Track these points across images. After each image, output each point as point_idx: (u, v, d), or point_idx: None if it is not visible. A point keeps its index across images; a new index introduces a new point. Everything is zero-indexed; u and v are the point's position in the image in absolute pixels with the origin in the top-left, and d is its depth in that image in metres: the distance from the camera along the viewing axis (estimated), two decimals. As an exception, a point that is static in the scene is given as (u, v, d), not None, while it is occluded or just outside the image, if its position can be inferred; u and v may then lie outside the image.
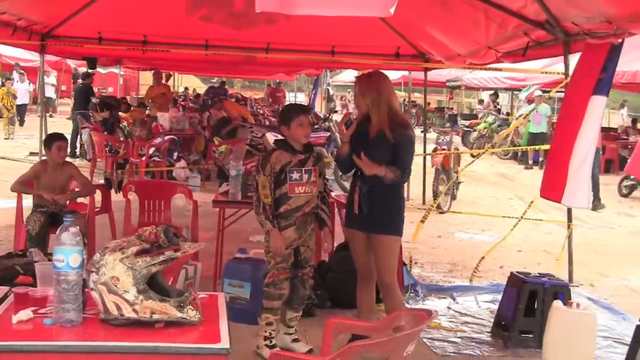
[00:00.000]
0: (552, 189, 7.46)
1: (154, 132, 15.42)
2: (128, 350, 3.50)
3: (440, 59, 11.31)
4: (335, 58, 12.73)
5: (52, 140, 8.09)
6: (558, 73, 9.91)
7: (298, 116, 6.14)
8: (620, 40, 6.89)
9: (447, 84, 27.62)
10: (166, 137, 14.83)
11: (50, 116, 32.42)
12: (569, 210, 8.59)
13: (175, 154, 14.86)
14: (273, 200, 6.10)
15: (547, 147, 15.19)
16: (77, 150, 18.73)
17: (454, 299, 8.36)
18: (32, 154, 17.53)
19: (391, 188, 6.11)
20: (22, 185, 8.07)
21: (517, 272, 7.29)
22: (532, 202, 9.23)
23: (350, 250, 6.48)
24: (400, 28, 11.21)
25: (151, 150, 14.61)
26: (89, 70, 18.02)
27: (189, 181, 13.82)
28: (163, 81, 20.23)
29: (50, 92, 32.58)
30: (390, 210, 6.16)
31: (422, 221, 8.89)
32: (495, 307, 8.07)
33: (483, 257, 9.33)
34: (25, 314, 3.70)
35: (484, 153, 13.43)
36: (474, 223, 11.59)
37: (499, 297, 8.31)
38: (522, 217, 9.20)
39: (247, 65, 17.26)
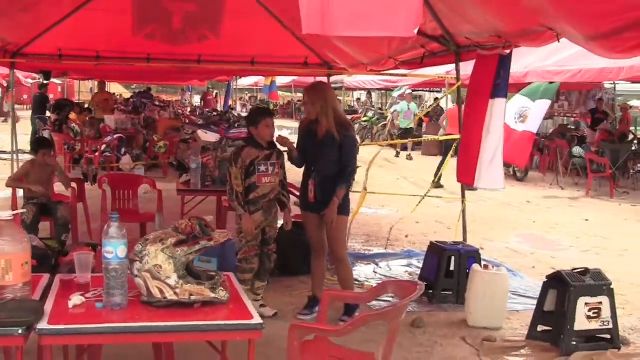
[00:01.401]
0: (466, 176, 7.47)
1: (103, 132, 15.09)
2: (177, 329, 3.31)
3: (345, 66, 11.24)
4: (255, 67, 12.58)
5: (39, 147, 7.92)
6: (451, 78, 9.93)
7: (265, 118, 6.07)
8: (508, 52, 6.91)
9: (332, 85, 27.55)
10: (115, 136, 14.55)
11: (5, 121, 31.19)
12: (462, 189, 8.63)
13: (123, 149, 14.48)
14: (244, 189, 5.97)
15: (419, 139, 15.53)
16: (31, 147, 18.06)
17: (377, 265, 8.33)
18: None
19: (337, 177, 6.11)
20: (16, 182, 7.81)
21: (436, 241, 7.32)
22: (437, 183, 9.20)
23: (306, 229, 6.41)
24: (309, 41, 11.10)
25: (103, 147, 14.19)
26: (44, 82, 17.56)
27: (135, 171, 13.45)
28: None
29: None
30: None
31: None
32: (411, 269, 8.15)
33: (392, 227, 9.37)
34: (79, 299, 3.45)
35: (378, 144, 13.40)
36: (374, 200, 11.55)
37: (412, 261, 8.42)
38: (425, 195, 9.20)
39: (180, 74, 16.96)
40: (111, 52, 11.50)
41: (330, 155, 6.06)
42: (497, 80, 7.08)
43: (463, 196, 8.46)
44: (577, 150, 16.70)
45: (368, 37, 8.96)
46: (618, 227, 11.40)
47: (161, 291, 3.40)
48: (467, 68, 8.13)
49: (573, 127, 19.91)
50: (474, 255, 7.02)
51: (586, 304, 5.68)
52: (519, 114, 12.10)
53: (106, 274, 3.40)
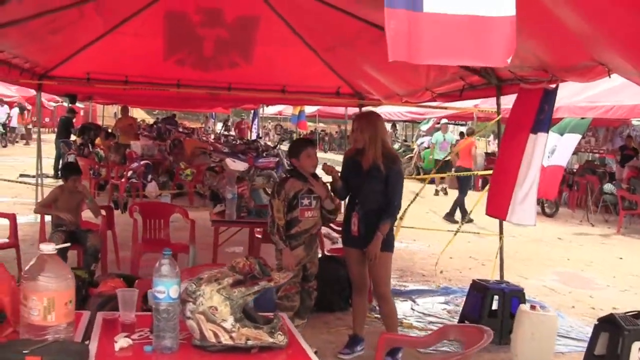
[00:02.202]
0: (497, 210, 7.18)
1: (129, 157, 14.86)
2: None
3: (379, 97, 11.00)
4: (286, 95, 12.33)
5: (69, 173, 7.61)
6: (491, 111, 9.64)
7: (306, 148, 5.79)
8: (553, 86, 6.63)
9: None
10: (142, 162, 14.30)
11: (26, 144, 31.13)
12: (501, 225, 8.31)
13: (150, 176, 14.23)
14: (285, 223, 5.66)
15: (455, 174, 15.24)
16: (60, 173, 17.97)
17: (414, 301, 8.00)
18: (22, 175, 16.85)
19: (381, 210, 5.79)
20: (44, 208, 7.53)
21: (479, 279, 7.02)
22: (467, 217, 8.88)
23: (347, 265, 6.12)
24: (341, 71, 10.93)
25: (129, 173, 13.95)
26: (71, 106, 17.49)
27: (160, 199, 13.19)
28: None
29: (14, 122, 31.26)
30: None
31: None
32: (449, 307, 7.84)
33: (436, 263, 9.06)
34: (125, 341, 3.15)
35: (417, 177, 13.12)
36: (405, 234, 11.24)
37: (449, 298, 8.09)
38: (458, 230, 8.91)
39: (211, 100, 16.74)
40: (140, 76, 11.30)
41: (375, 188, 5.76)
42: (540, 115, 6.81)
43: (501, 232, 8.16)
44: (608, 187, 16.39)
45: (406, 69, 8.77)
46: (654, 266, 11.06)
47: (216, 335, 3.10)
48: (504, 101, 7.91)
49: (598, 164, 19.59)
50: (518, 295, 6.73)
51: (640, 349, 5.35)
52: (550, 150, 11.87)
53: (156, 315, 3.10)
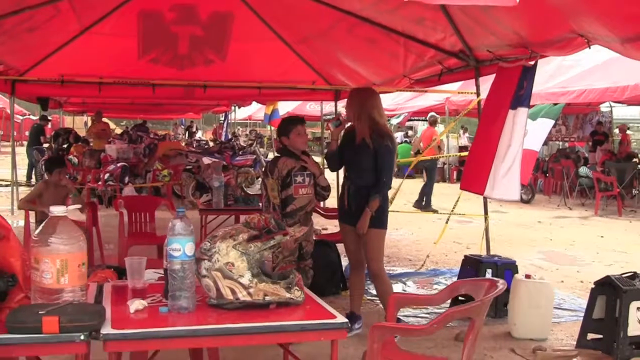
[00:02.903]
0: (474, 185, 7.15)
1: (104, 161, 14.72)
2: (258, 330, 2.92)
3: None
4: (261, 92, 12.22)
5: (53, 166, 7.50)
6: (471, 93, 9.63)
7: (295, 126, 5.74)
8: (532, 63, 6.60)
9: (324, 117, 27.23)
10: (119, 164, 14.15)
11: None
12: (485, 205, 8.30)
13: (126, 178, 14.07)
14: (280, 202, 5.59)
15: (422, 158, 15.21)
16: (33, 180, 17.70)
17: (404, 283, 7.97)
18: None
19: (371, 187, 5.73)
20: (29, 203, 7.38)
21: (471, 254, 7.00)
22: (456, 202, 8.87)
23: (343, 241, 6.06)
24: (316, 64, 10.86)
25: (106, 176, 13.80)
26: (43, 113, 17.32)
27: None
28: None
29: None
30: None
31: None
32: (440, 287, 7.79)
33: (436, 245, 9.12)
34: (140, 303, 3.08)
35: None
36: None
37: (439, 279, 8.07)
38: (451, 213, 8.91)
39: (183, 105, 16.61)
40: (114, 77, 11.13)
41: (364, 164, 5.71)
42: (519, 91, 6.78)
43: (486, 212, 8.14)
44: (583, 170, 16.53)
45: (384, 55, 8.75)
46: (634, 242, 11.15)
47: (233, 291, 3.04)
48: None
49: (569, 152, 19.77)
50: (510, 267, 6.74)
51: (638, 308, 5.36)
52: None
53: (172, 274, 3.03)
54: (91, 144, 16.91)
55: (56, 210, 2.94)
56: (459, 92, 13.40)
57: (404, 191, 18.84)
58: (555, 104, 13.43)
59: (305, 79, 11.54)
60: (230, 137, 23.89)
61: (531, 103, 12.98)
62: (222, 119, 26.71)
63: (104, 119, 18.79)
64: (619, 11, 4.50)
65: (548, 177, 18.18)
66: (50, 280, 2.87)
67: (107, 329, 2.76)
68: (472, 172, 7.38)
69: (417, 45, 7.87)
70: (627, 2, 4.30)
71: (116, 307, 3.09)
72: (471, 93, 9.36)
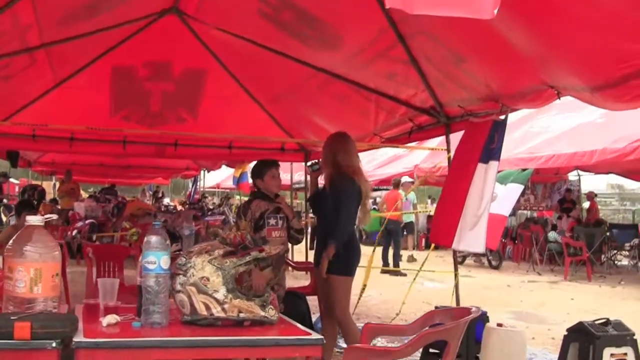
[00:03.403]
0: (442, 237, 7.22)
1: (72, 219, 14.62)
2: (232, 344, 2.92)
3: (327, 146, 11.03)
4: (232, 152, 12.27)
5: (23, 209, 7.42)
6: (442, 149, 9.75)
7: (270, 169, 5.79)
8: (502, 117, 6.72)
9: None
10: (87, 221, 14.08)
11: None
12: (454, 262, 8.35)
13: (94, 236, 13.98)
14: None
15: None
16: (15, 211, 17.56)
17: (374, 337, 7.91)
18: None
19: None
20: None
21: (442, 306, 6.95)
22: (424, 261, 8.93)
23: (317, 288, 6.05)
24: (286, 124, 10.96)
25: (74, 232, 13.70)
26: (3, 170, 17.31)
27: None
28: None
29: None
30: (337, 253, 5.73)
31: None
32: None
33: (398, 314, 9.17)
34: (113, 317, 3.06)
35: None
36: (356, 285, 11.20)
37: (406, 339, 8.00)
38: (419, 270, 8.95)
39: (158, 157, 16.57)
40: (86, 133, 11.08)
41: (325, 209, 5.79)
42: (490, 144, 6.87)
43: (456, 269, 8.19)
44: (552, 235, 16.69)
45: (355, 112, 8.86)
46: (605, 304, 11.22)
47: (207, 307, 3.04)
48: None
49: (537, 220, 20.01)
50: (482, 319, 6.68)
51: (612, 354, 5.39)
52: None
53: (146, 288, 3.03)
54: (59, 205, 16.83)
55: (32, 219, 2.94)
56: (430, 149, 13.55)
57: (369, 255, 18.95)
58: (524, 170, 13.67)
59: (275, 139, 11.65)
60: (199, 198, 23.93)
61: (500, 168, 13.28)
62: (191, 184, 26.73)
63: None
64: (589, 60, 4.60)
65: (517, 244, 18.34)
66: (23, 289, 2.86)
67: (79, 338, 2.74)
68: (440, 225, 7.44)
69: (388, 102, 7.96)
70: (597, 51, 4.41)
71: (89, 321, 3.07)
72: (442, 149, 9.47)
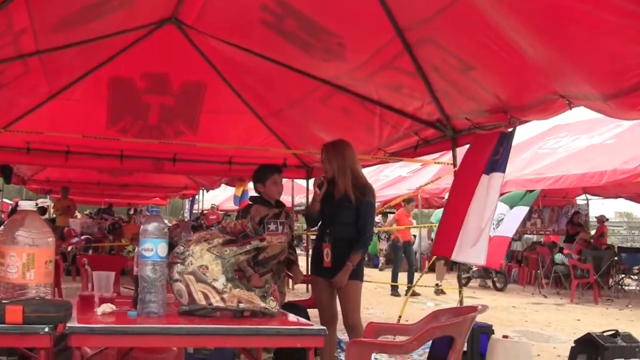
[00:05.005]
0: (443, 249, 7.22)
1: (67, 235, 14.62)
2: (231, 332, 2.90)
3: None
4: (232, 167, 12.26)
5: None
6: (448, 164, 9.73)
7: (272, 175, 5.82)
8: (510, 130, 6.69)
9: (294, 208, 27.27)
10: (82, 237, 14.11)
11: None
12: (459, 279, 8.31)
13: (90, 251, 13.98)
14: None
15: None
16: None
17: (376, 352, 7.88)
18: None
19: (352, 241, 5.81)
20: None
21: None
22: (419, 278, 8.88)
23: (315, 297, 6.04)
24: (288, 139, 10.94)
25: (69, 248, 13.69)
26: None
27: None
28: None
29: None
30: None
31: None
32: (414, 357, 7.71)
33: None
34: (108, 306, 3.03)
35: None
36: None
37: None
38: (413, 286, 8.88)
39: (156, 172, 16.53)
40: (82, 147, 11.07)
41: (346, 219, 5.80)
42: (494, 156, 6.85)
43: (460, 286, 8.14)
44: (559, 257, 16.60)
45: (359, 126, 8.81)
46: (612, 325, 11.01)
47: (206, 296, 3.01)
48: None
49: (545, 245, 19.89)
50: (487, 331, 6.67)
51: (620, 366, 5.34)
52: (497, 221, 12.02)
53: (142, 276, 3.00)
54: (56, 223, 16.83)
55: (25, 204, 2.91)
56: (434, 162, 13.49)
57: (373, 277, 18.93)
58: (531, 191, 13.64)
59: (277, 155, 11.62)
60: (198, 216, 23.97)
61: (506, 190, 13.26)
62: (188, 205, 26.71)
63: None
64: (603, 67, 4.56)
65: (522, 266, 18.27)
66: (15, 274, 2.83)
67: (73, 323, 2.71)
68: (442, 237, 7.42)
69: (393, 115, 7.93)
70: (611, 58, 4.39)
71: (83, 311, 3.03)
72: (447, 164, 9.45)
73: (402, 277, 15.09)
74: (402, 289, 14.53)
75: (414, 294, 13.13)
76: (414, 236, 15.79)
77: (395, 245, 15.30)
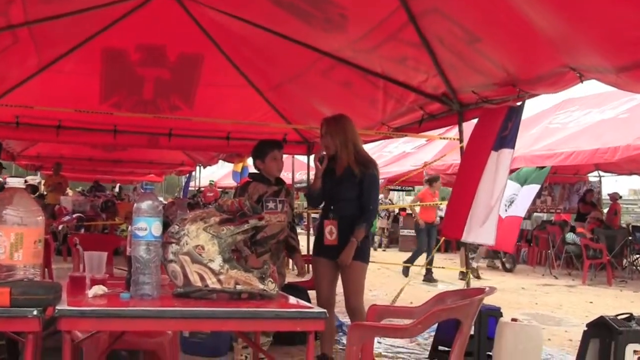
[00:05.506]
0: (453, 230, 7.14)
1: (58, 213, 14.60)
2: (228, 315, 2.87)
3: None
4: (230, 143, 12.18)
5: None
6: (454, 139, 9.70)
7: (272, 150, 5.78)
8: (519, 103, 6.64)
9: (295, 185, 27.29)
10: (74, 215, 14.09)
11: None
12: (466, 260, 8.30)
13: (82, 230, 13.94)
14: None
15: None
16: None
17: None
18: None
19: (356, 218, 5.78)
20: None
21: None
22: (427, 261, 8.89)
23: (315, 279, 6.01)
24: (287, 113, 10.87)
25: (60, 227, 13.67)
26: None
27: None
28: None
29: None
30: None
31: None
32: (419, 340, 7.73)
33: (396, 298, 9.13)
34: (100, 288, 3.02)
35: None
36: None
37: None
38: (425, 265, 8.89)
39: (150, 148, 16.46)
40: (74, 121, 11.00)
41: (349, 193, 5.78)
42: (503, 132, 6.79)
43: (467, 267, 8.14)
44: (570, 236, 16.54)
45: (360, 100, 8.77)
46: (625, 308, 11.01)
47: (202, 277, 2.99)
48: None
49: (555, 223, 19.86)
50: (495, 314, 6.65)
51: (635, 351, 5.32)
52: (509, 201, 11.97)
53: (136, 257, 2.98)
54: (46, 200, 16.79)
55: (13, 181, 2.89)
56: (439, 137, 13.42)
57: (377, 258, 18.94)
58: (542, 168, 13.57)
59: (275, 131, 11.56)
60: (195, 193, 23.92)
61: (516, 166, 13.20)
62: (184, 182, 26.69)
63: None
64: (616, 38, 4.50)
65: (532, 246, 18.26)
66: (2, 255, 2.81)
67: (63, 306, 2.70)
68: (451, 217, 7.39)
69: (397, 89, 7.87)
70: (626, 26, 4.34)
71: (73, 293, 3.02)
72: (454, 139, 9.41)
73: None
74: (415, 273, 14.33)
75: (431, 280, 13.12)
76: (440, 218, 15.20)
77: (417, 228, 15.02)
